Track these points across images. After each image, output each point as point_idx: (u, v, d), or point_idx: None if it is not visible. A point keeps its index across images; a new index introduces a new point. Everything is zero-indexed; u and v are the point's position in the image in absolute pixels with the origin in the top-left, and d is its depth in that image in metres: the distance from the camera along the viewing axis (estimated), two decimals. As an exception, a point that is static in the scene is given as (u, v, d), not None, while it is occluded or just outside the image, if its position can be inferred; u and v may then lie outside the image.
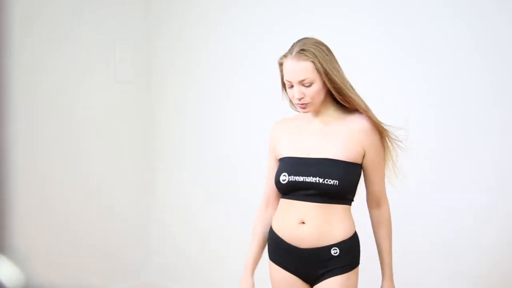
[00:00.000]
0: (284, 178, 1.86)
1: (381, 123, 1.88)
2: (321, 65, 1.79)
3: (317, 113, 1.91)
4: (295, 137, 1.92)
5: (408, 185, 2.47)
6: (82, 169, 3.28)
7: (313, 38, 1.86)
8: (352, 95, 1.84)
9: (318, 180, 1.81)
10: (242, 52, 3.15)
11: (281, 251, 1.90)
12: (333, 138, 1.86)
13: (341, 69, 1.85)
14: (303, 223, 1.84)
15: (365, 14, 2.69)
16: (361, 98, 1.87)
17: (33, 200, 3.04)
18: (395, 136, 1.90)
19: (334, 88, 1.82)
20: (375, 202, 1.95)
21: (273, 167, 1.98)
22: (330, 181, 1.80)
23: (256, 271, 2.02)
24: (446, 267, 2.50)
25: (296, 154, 1.88)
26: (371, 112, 1.87)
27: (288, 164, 1.88)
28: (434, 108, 2.52)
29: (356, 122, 1.87)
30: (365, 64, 2.66)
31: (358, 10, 2.71)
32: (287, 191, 1.88)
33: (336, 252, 1.83)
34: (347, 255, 1.84)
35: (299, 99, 1.83)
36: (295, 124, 1.95)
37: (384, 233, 1.95)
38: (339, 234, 1.83)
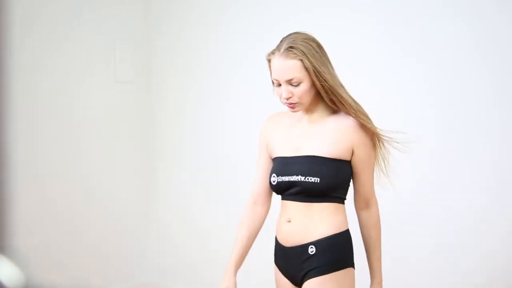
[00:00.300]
0: (274, 179, 1.83)
1: (373, 126, 1.79)
2: (310, 63, 1.71)
3: (307, 110, 1.84)
4: (285, 136, 1.87)
5: (408, 185, 2.48)
6: (82, 169, 3.28)
7: (303, 34, 1.78)
8: (342, 95, 1.75)
9: (301, 178, 1.76)
10: (242, 52, 3.15)
11: (278, 252, 1.89)
12: (320, 136, 1.80)
13: (332, 67, 1.78)
14: (289, 221, 1.81)
15: (365, 14, 2.69)
16: (351, 99, 1.78)
17: (33, 200, 3.04)
18: (388, 138, 1.82)
19: (323, 87, 1.74)
20: (364, 203, 1.86)
21: (263, 163, 1.93)
22: (311, 179, 1.75)
23: (259, 273, 1.99)
24: (446, 267, 2.50)
25: (285, 154, 1.84)
26: (362, 112, 1.79)
27: (278, 164, 1.84)
28: (434, 108, 2.52)
29: (346, 120, 1.80)
30: (365, 64, 2.66)
31: (358, 10, 2.71)
32: (278, 191, 1.85)
33: (313, 251, 1.76)
34: (326, 254, 1.76)
35: (287, 99, 1.76)
36: (286, 121, 1.89)
37: (374, 236, 1.86)
38: (318, 231, 1.77)
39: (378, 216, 1.88)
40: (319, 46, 1.77)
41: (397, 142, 1.83)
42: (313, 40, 1.77)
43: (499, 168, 2.37)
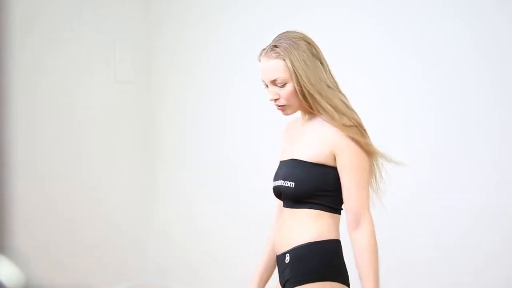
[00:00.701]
0: (272, 185, 1.74)
1: (361, 138, 1.61)
2: (291, 63, 1.60)
3: (305, 112, 1.72)
4: (287, 140, 1.79)
5: (408, 185, 2.48)
6: (82, 169, 3.28)
7: (293, 32, 1.67)
8: (322, 101, 1.60)
9: (281, 183, 1.67)
10: (242, 52, 3.15)
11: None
12: (305, 139, 1.68)
13: (323, 69, 1.64)
14: (281, 229, 1.72)
15: (365, 14, 2.69)
16: (339, 105, 1.62)
17: (33, 200, 3.04)
18: (381, 154, 1.65)
19: (301, 91, 1.61)
20: (353, 221, 1.60)
21: None
22: (287, 183, 1.65)
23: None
24: (446, 267, 2.49)
25: (282, 158, 1.76)
26: (349, 118, 1.62)
27: (276, 169, 1.77)
28: (434, 108, 2.52)
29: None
30: (365, 64, 2.66)
31: (358, 10, 2.71)
32: (277, 197, 1.76)
33: (287, 260, 1.64)
34: (299, 264, 1.62)
35: (274, 101, 1.66)
36: (293, 125, 1.82)
37: (365, 263, 1.58)
38: (295, 239, 1.64)
39: (373, 237, 1.60)
40: (310, 46, 1.65)
41: (391, 162, 1.67)
42: (303, 39, 1.65)
43: (499, 168, 2.37)
